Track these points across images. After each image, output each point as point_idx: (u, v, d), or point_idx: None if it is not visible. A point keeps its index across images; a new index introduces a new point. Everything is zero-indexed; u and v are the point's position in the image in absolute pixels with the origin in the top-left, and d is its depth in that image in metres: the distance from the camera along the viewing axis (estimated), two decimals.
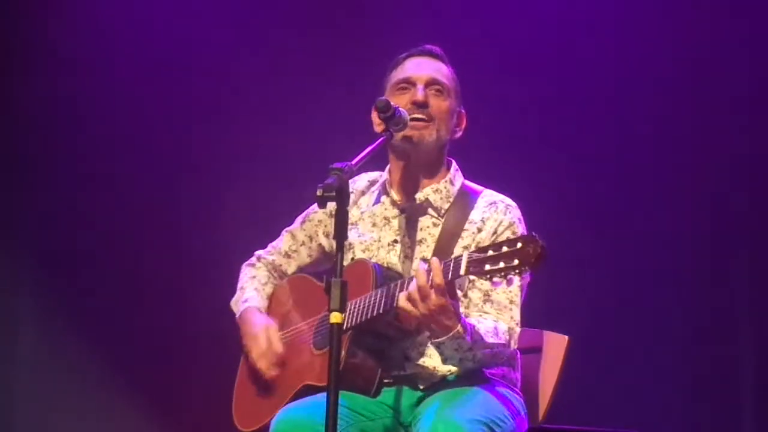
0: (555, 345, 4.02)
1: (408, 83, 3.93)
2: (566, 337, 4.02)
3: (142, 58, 5.72)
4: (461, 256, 3.51)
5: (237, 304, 4.17)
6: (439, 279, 3.53)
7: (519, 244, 3.40)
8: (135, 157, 5.72)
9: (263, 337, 4.01)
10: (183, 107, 5.73)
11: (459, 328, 3.61)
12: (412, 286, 3.56)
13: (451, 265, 3.53)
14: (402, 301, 3.58)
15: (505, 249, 3.42)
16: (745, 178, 5.23)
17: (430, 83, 3.92)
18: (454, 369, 3.79)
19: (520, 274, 3.40)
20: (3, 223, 5.72)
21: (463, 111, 4.02)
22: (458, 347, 3.66)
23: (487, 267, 3.43)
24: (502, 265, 3.41)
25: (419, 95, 3.89)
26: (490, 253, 3.44)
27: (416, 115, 3.87)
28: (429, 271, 3.55)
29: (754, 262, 5.18)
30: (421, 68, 3.95)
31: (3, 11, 5.72)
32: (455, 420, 3.55)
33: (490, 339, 3.72)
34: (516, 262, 3.39)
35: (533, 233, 3.42)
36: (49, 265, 5.75)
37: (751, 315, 5.17)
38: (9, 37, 5.75)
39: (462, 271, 3.49)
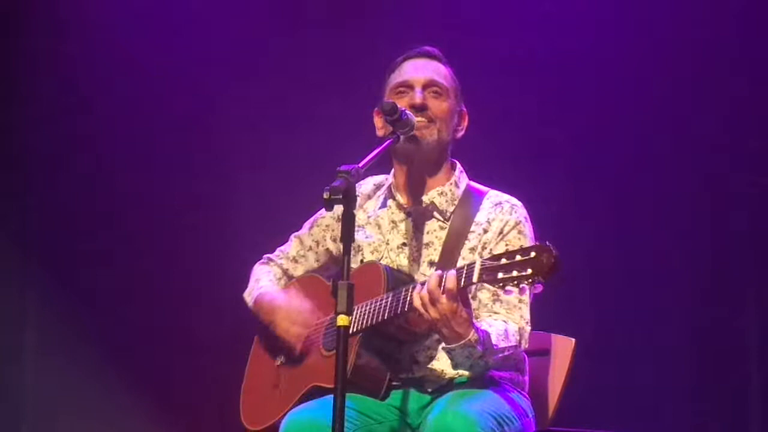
0: (562, 348, 4.03)
1: (406, 86, 3.92)
2: (573, 340, 4.02)
3: (149, 60, 5.72)
4: (474, 263, 3.51)
5: (251, 293, 4.15)
6: (451, 284, 3.52)
7: (533, 254, 3.40)
8: (140, 158, 5.73)
9: (288, 308, 4.00)
10: (190, 109, 5.72)
11: (471, 336, 3.60)
12: (425, 289, 3.56)
13: (464, 272, 3.53)
14: (416, 300, 3.58)
15: (518, 258, 3.42)
16: (745, 180, 5.22)
17: (428, 85, 3.92)
18: (464, 373, 3.79)
19: (532, 283, 3.41)
20: (8, 223, 5.73)
21: (464, 109, 4.02)
22: (469, 355, 3.67)
23: (500, 275, 3.44)
24: (515, 273, 3.41)
25: (417, 98, 3.89)
26: (504, 261, 3.44)
27: (417, 118, 3.86)
28: (442, 276, 3.55)
29: (759, 267, 5.17)
30: (419, 70, 3.95)
31: (6, 12, 5.72)
32: (465, 411, 3.57)
33: (501, 344, 3.72)
34: (529, 271, 3.39)
35: (547, 242, 3.42)
36: (55, 265, 5.75)
37: (756, 316, 5.17)
38: (13, 35, 5.75)
39: (475, 279, 3.49)
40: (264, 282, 4.15)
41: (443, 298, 3.53)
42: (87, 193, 5.76)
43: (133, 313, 5.70)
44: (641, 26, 5.38)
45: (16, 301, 5.75)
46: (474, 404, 3.63)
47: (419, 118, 3.87)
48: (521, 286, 3.41)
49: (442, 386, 3.81)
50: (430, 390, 3.82)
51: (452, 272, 3.55)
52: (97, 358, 5.69)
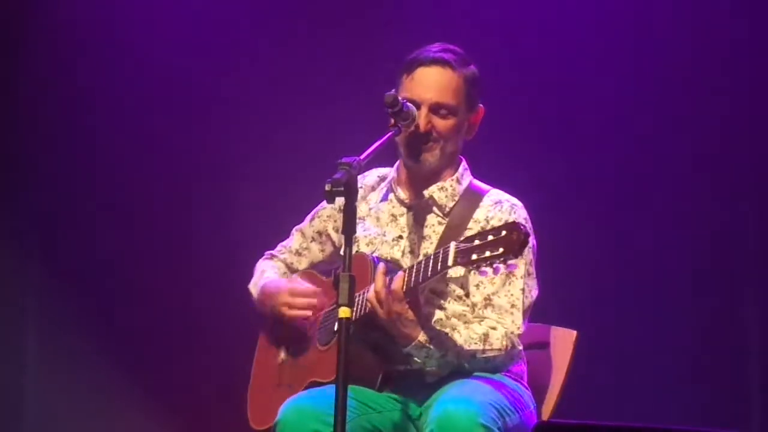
0: (563, 340, 4.02)
1: (413, 104, 3.87)
2: (574, 332, 4.02)
3: (151, 56, 5.70)
4: (449, 246, 3.55)
5: (257, 284, 4.16)
6: (396, 285, 3.62)
7: (503, 232, 3.46)
8: (142, 156, 5.71)
9: (291, 289, 4.01)
10: (191, 106, 5.72)
11: (420, 337, 3.67)
12: (372, 289, 3.66)
13: (440, 256, 3.57)
14: (369, 296, 3.67)
15: (490, 238, 3.47)
16: (748, 178, 5.23)
17: (436, 108, 3.89)
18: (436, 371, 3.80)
19: (505, 262, 3.45)
20: (9, 223, 5.72)
21: (479, 107, 3.98)
22: (428, 355, 3.73)
23: (474, 257, 3.48)
24: (488, 254, 3.46)
25: (422, 125, 3.87)
26: (476, 242, 3.49)
27: (420, 142, 3.89)
28: (388, 277, 3.64)
29: (759, 258, 5.18)
30: (427, 89, 3.89)
31: (5, 11, 5.73)
32: (467, 402, 3.59)
33: (473, 346, 3.75)
34: (501, 250, 3.44)
35: (516, 221, 3.46)
36: (55, 264, 5.74)
37: (758, 310, 5.17)
38: (13, 35, 5.76)
39: (450, 262, 3.54)
40: (269, 273, 4.17)
41: (389, 300, 3.61)
42: (87, 191, 5.74)
43: (135, 313, 5.69)
44: (643, 25, 5.39)
45: (16, 301, 5.74)
46: (475, 394, 3.64)
47: (423, 142, 3.88)
48: (495, 265, 3.46)
49: (442, 378, 3.81)
50: (430, 381, 3.83)
51: (399, 273, 3.64)
52: (98, 358, 5.68)
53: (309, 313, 3.98)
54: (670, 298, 5.23)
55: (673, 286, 5.23)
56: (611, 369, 5.13)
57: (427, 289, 3.80)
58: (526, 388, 3.88)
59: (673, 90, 5.31)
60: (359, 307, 3.76)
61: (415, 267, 3.65)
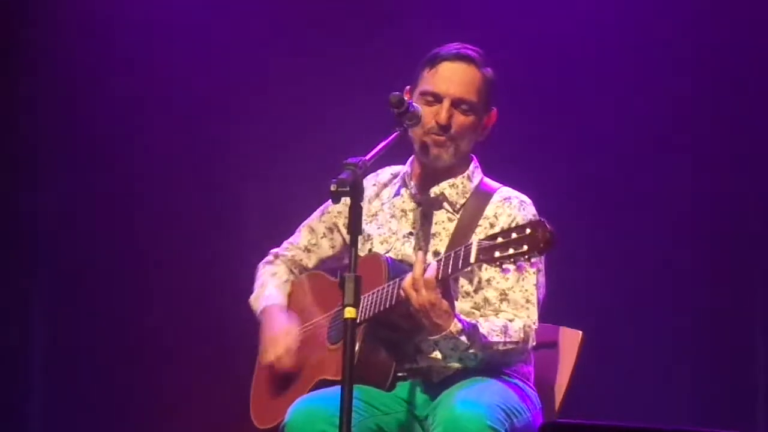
0: (569, 340, 4.03)
1: (435, 97, 3.90)
2: (580, 332, 4.02)
3: (154, 55, 5.71)
4: (471, 243, 3.55)
5: (257, 301, 4.16)
6: (430, 274, 3.59)
7: (528, 230, 3.43)
8: (149, 155, 5.70)
9: (282, 343, 4.01)
10: (195, 109, 5.71)
11: (452, 327, 3.65)
12: (410, 276, 3.63)
13: (461, 253, 3.57)
14: (406, 284, 3.63)
15: (514, 235, 3.45)
16: (749, 178, 5.24)
17: (457, 103, 3.90)
18: (455, 365, 3.79)
19: (529, 259, 3.44)
20: (15, 223, 5.71)
21: (493, 109, 3.99)
22: (455, 346, 3.70)
23: (497, 254, 3.47)
24: (511, 251, 3.44)
25: (443, 118, 3.89)
26: (499, 240, 3.48)
27: (436, 135, 3.90)
28: (425, 265, 3.62)
29: (766, 257, 5.19)
30: (452, 83, 3.90)
31: (7, 9, 5.72)
32: (474, 403, 3.59)
33: (495, 337, 3.74)
34: (525, 247, 3.42)
35: (541, 218, 3.45)
36: (62, 264, 5.73)
37: (763, 310, 5.18)
38: (13, 34, 5.76)
39: (472, 259, 3.53)
40: (270, 289, 4.17)
41: (423, 289, 3.59)
42: (94, 191, 5.74)
43: (142, 314, 5.68)
44: (645, 25, 5.39)
45: (23, 302, 5.73)
46: (483, 396, 3.64)
47: (439, 137, 3.89)
48: (519, 263, 3.45)
49: (449, 377, 3.81)
50: (436, 381, 3.83)
51: (433, 263, 3.62)
52: (101, 358, 5.69)
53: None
54: (676, 298, 5.24)
55: (679, 287, 5.24)
56: (617, 369, 5.14)
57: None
58: (533, 389, 3.88)
59: (675, 87, 5.32)
60: (372, 305, 3.75)
61: (443, 260, 3.63)
